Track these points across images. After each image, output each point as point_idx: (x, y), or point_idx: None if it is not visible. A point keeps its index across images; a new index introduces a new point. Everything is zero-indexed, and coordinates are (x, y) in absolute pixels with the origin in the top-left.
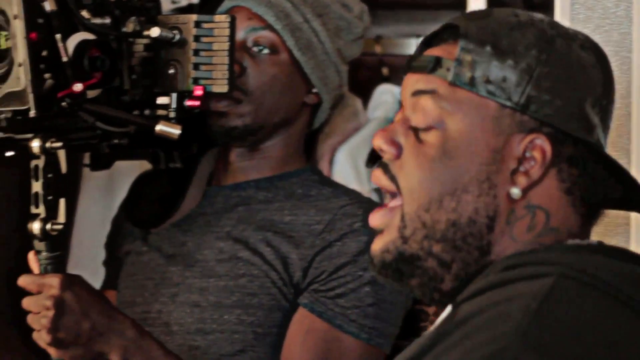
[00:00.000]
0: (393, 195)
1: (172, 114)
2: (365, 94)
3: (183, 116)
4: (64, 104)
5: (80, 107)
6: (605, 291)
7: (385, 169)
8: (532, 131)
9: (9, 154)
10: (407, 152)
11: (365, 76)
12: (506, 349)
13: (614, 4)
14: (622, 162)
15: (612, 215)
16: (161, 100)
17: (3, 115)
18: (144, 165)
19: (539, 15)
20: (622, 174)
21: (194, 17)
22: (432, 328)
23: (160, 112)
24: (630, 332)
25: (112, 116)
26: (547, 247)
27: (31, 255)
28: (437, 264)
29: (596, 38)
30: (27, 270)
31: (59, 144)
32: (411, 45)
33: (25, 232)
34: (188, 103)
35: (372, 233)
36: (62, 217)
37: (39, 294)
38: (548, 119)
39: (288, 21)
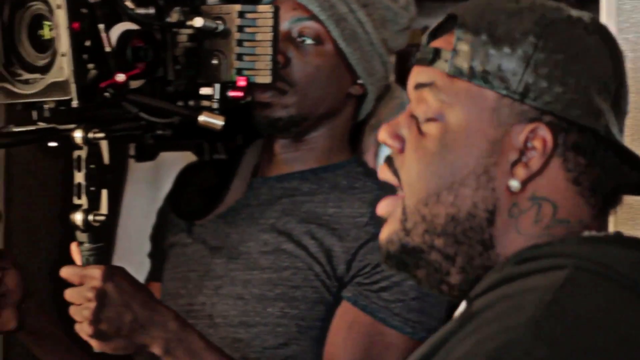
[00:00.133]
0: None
1: (215, 105)
2: None
3: (226, 107)
4: (106, 94)
5: (123, 97)
6: (622, 283)
7: (390, 162)
8: (532, 121)
9: (52, 144)
10: (408, 146)
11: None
12: (517, 341)
13: None
14: None
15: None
16: (204, 91)
17: (46, 106)
18: (190, 157)
19: (542, 0)
20: (636, 160)
21: (238, 7)
22: (449, 323)
23: (205, 103)
24: None
25: (155, 107)
26: (561, 239)
27: (74, 247)
28: (441, 257)
29: None
30: (70, 261)
31: (101, 135)
32: None
33: (68, 223)
34: (231, 94)
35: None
36: (104, 209)
37: (81, 286)
38: (548, 106)
39: (333, 11)
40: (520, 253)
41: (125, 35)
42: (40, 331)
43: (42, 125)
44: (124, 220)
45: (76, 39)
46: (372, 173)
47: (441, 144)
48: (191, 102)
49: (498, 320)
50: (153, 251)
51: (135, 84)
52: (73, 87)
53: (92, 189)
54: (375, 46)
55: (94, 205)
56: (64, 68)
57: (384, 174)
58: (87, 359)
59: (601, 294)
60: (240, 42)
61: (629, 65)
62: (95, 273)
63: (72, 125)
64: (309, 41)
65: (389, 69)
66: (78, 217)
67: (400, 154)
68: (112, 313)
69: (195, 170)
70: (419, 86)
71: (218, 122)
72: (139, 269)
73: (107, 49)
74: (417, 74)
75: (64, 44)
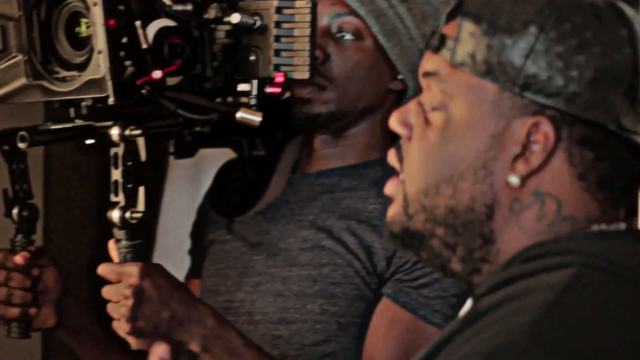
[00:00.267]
0: None
1: (252, 101)
2: None
3: (264, 103)
4: (143, 91)
5: (160, 94)
6: (633, 280)
7: (399, 149)
8: (534, 114)
9: (89, 142)
10: (415, 134)
11: None
12: (513, 343)
13: None
14: None
15: None
16: (242, 87)
17: (84, 103)
18: (230, 154)
19: None
20: None
21: (275, 2)
22: (453, 322)
23: (243, 99)
24: None
25: (193, 103)
26: (569, 235)
27: (111, 244)
28: (442, 245)
29: None
30: (108, 258)
31: (138, 132)
32: None
33: (106, 221)
34: (269, 90)
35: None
36: (141, 206)
37: (118, 283)
38: (550, 100)
39: (373, 6)
40: (526, 251)
41: (162, 32)
42: (79, 328)
43: (79, 122)
44: (164, 217)
45: (112, 36)
46: None
47: (443, 135)
48: (229, 99)
49: (500, 322)
50: (193, 248)
51: (172, 80)
52: (109, 85)
53: (129, 186)
54: (416, 41)
55: (131, 203)
56: (100, 65)
57: (391, 158)
58: (126, 357)
59: (609, 292)
60: (277, 38)
61: None
62: (133, 270)
63: (109, 123)
64: (348, 36)
65: None
66: (115, 215)
67: (408, 141)
68: (149, 310)
69: (235, 167)
70: (425, 74)
71: (256, 118)
72: (179, 266)
73: (144, 46)
74: (426, 61)
75: (100, 41)
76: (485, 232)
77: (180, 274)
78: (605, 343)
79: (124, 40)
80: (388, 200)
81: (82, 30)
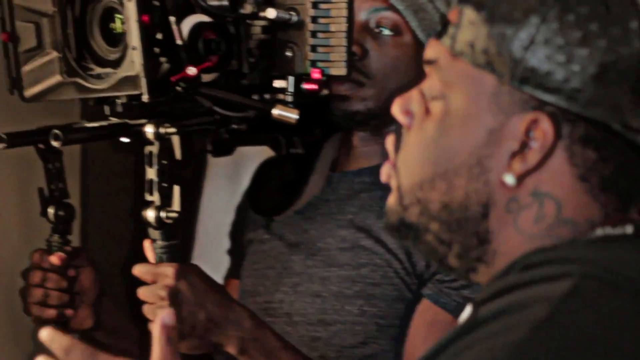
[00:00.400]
0: None
1: (289, 98)
2: None
3: (302, 100)
4: (178, 88)
5: (196, 91)
6: (634, 291)
7: (399, 137)
8: (533, 109)
9: (124, 140)
10: (414, 124)
11: None
12: None
13: None
14: None
15: None
16: (278, 83)
17: (119, 101)
18: (270, 152)
19: None
20: None
21: None
22: (452, 329)
23: (281, 96)
24: None
25: (228, 100)
26: (570, 241)
27: (147, 244)
28: (437, 241)
29: None
30: (145, 258)
31: (172, 130)
32: None
33: (141, 220)
34: (305, 86)
35: None
36: (176, 205)
37: (154, 284)
38: (549, 95)
39: (411, 1)
40: (526, 257)
41: (197, 28)
42: (116, 330)
43: (114, 120)
44: (204, 216)
45: (146, 32)
46: None
47: (440, 127)
48: (267, 96)
49: (490, 338)
50: (232, 248)
51: (208, 77)
52: (143, 82)
53: (164, 185)
54: None
55: (166, 202)
56: (134, 62)
57: (389, 144)
58: None
59: (606, 307)
60: (314, 34)
61: None
62: (168, 271)
63: (143, 121)
64: (386, 32)
65: None
66: (150, 214)
67: (408, 130)
68: (185, 312)
69: (273, 166)
70: (426, 62)
71: (292, 115)
72: (218, 265)
73: (178, 42)
74: (428, 47)
75: (134, 37)
76: (480, 231)
77: (219, 274)
78: None
79: (159, 36)
80: None
81: (117, 26)
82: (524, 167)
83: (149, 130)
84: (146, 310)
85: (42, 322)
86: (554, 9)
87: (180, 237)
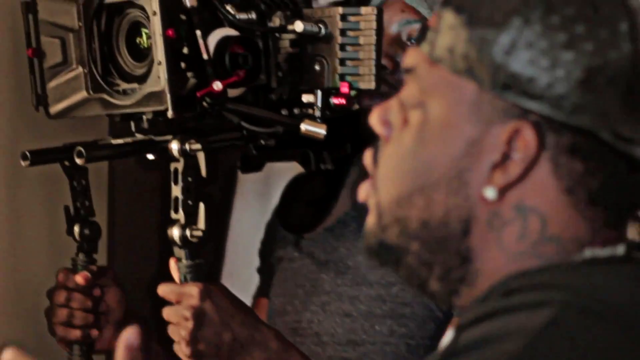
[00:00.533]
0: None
1: (317, 113)
2: None
3: (332, 115)
4: (204, 103)
5: (222, 106)
6: (618, 322)
7: (376, 150)
8: (516, 118)
9: (150, 157)
10: (392, 136)
11: None
12: None
13: None
14: None
15: None
16: (306, 98)
17: (145, 117)
18: (301, 168)
19: None
20: None
21: (340, 9)
22: (433, 354)
23: (310, 110)
24: None
25: (255, 116)
26: (555, 264)
27: (172, 263)
28: (418, 262)
29: None
30: (171, 277)
31: (197, 146)
32: None
33: (167, 238)
34: (334, 101)
35: None
36: (201, 224)
37: (178, 304)
38: (532, 103)
39: None
40: (508, 282)
41: (224, 42)
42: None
43: (139, 137)
44: (233, 233)
45: (171, 46)
46: None
47: (418, 138)
48: (296, 110)
49: None
50: (261, 266)
51: (235, 92)
52: (168, 97)
53: (189, 202)
54: None
55: (191, 220)
56: (160, 77)
57: (367, 159)
58: None
59: (587, 339)
60: (343, 47)
61: None
62: (193, 291)
63: (169, 137)
64: None
65: None
66: (175, 233)
67: (385, 142)
68: (210, 333)
69: (303, 182)
70: (404, 70)
71: (320, 130)
72: (248, 284)
73: (205, 56)
74: (407, 55)
75: (159, 51)
76: (462, 250)
77: (248, 293)
78: None
79: (185, 50)
80: None
81: (143, 40)
82: (506, 179)
83: (174, 146)
84: (171, 330)
85: (67, 342)
86: (537, 10)
87: (209, 255)
